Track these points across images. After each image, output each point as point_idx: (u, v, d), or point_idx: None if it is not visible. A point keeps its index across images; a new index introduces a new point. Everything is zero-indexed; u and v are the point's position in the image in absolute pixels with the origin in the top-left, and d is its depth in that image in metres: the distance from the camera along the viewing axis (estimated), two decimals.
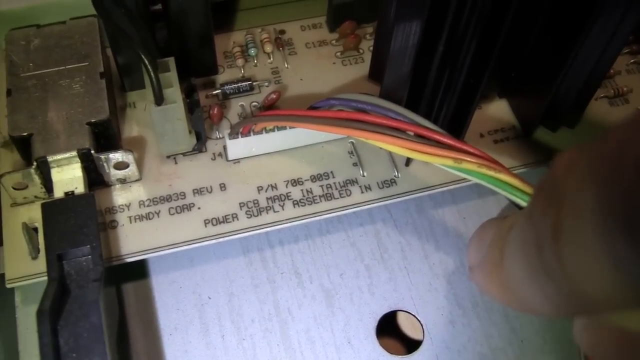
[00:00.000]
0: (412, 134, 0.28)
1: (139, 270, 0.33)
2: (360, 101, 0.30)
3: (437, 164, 0.27)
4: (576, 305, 0.18)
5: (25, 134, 0.30)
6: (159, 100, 0.29)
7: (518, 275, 0.20)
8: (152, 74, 0.29)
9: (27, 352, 0.31)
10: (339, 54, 0.37)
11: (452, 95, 0.30)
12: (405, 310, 0.33)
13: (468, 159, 0.26)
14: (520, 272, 0.19)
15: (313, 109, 0.32)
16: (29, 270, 0.30)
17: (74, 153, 0.30)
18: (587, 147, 0.15)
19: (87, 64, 0.32)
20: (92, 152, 0.30)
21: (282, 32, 0.38)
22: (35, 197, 0.31)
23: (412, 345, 0.32)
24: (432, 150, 0.27)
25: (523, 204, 0.26)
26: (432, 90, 0.30)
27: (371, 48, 0.36)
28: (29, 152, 0.30)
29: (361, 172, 0.33)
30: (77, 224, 0.29)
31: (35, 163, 0.30)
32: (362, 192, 0.33)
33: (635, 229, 0.13)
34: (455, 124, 0.32)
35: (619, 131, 0.14)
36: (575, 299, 0.17)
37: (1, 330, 0.31)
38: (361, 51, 0.37)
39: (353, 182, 0.33)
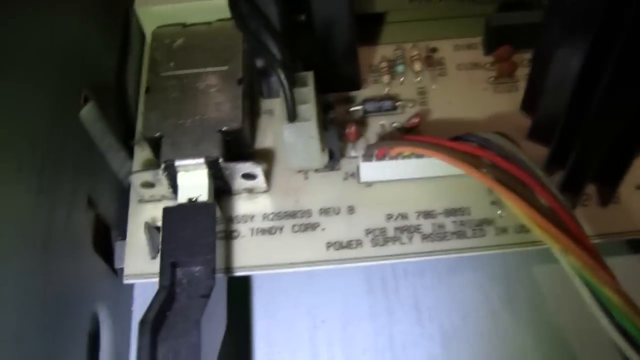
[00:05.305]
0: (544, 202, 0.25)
1: (252, 283, 0.32)
2: (503, 149, 0.27)
3: (545, 241, 0.25)
4: None
5: (157, 134, 0.30)
6: (292, 117, 0.28)
7: None
8: (286, 89, 0.28)
9: None
10: (492, 79, 0.34)
11: (611, 139, 0.27)
12: None
13: (577, 254, 0.24)
14: None
15: (455, 140, 0.30)
16: (146, 269, 0.30)
17: (202, 160, 0.29)
18: None
19: (226, 68, 0.31)
20: (221, 160, 0.29)
21: (434, 50, 0.36)
22: (162, 196, 0.31)
23: None
24: (552, 230, 0.24)
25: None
26: (589, 130, 0.27)
27: (527, 76, 0.34)
28: (159, 153, 0.30)
29: (499, 212, 0.31)
30: (195, 233, 0.28)
31: (163, 165, 0.29)
32: (497, 234, 0.30)
33: None
34: (608, 171, 0.29)
35: None
36: None
37: (116, 324, 0.31)
38: (516, 79, 0.35)
39: (489, 222, 0.31)
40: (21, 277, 0.24)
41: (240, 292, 0.32)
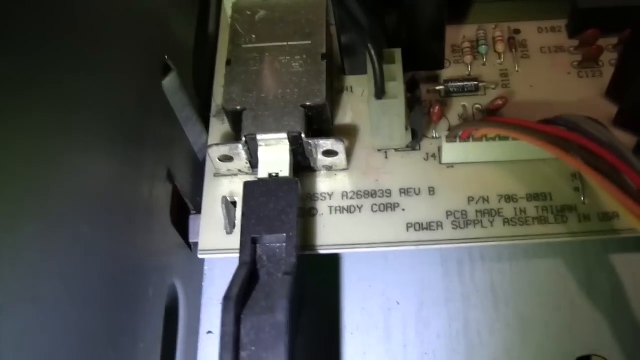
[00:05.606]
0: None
1: (327, 261, 0.32)
2: (593, 132, 0.26)
3: (636, 228, 0.24)
4: None
5: (238, 108, 0.29)
6: (380, 93, 0.28)
7: None
8: (376, 65, 0.27)
9: (208, 322, 0.31)
10: (575, 63, 0.34)
11: None
12: (603, 357, 0.30)
13: None
14: None
15: (544, 123, 0.29)
16: (222, 245, 0.30)
17: (284, 135, 0.29)
18: None
19: (309, 42, 0.31)
20: (303, 136, 0.29)
21: (517, 31, 0.35)
22: (239, 171, 0.31)
23: None
24: None
25: None
26: None
27: (613, 62, 0.33)
28: (240, 126, 0.29)
29: (582, 198, 0.30)
30: (276, 209, 0.28)
31: (244, 139, 0.29)
32: (580, 222, 0.30)
33: None
34: None
35: None
36: None
37: (189, 297, 0.31)
38: (601, 64, 0.34)
39: (571, 208, 0.30)
40: (108, 247, 0.24)
41: (316, 270, 0.32)
